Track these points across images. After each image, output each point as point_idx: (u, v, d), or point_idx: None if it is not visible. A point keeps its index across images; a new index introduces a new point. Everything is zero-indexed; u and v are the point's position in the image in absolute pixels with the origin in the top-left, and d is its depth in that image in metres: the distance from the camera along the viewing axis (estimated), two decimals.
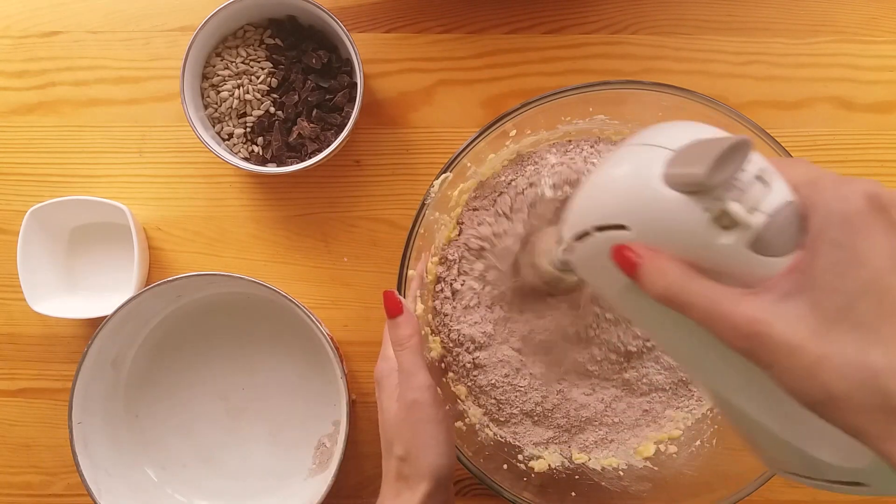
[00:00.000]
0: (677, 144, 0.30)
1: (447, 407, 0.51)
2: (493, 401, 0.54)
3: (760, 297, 0.28)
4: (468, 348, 0.54)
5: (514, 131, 0.51)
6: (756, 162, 0.29)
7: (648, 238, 0.31)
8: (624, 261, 0.31)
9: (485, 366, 0.53)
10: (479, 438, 0.53)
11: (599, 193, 0.34)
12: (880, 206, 0.26)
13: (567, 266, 0.38)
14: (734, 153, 0.28)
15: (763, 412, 0.32)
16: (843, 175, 0.29)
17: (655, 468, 0.54)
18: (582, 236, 0.35)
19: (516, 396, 0.54)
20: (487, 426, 0.54)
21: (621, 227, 0.32)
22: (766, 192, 0.28)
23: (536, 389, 0.54)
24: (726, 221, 0.28)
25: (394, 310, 0.46)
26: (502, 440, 0.54)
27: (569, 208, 0.36)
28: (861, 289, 0.26)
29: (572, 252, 0.36)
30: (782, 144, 0.48)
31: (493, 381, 0.53)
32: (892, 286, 0.26)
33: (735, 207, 0.28)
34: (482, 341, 0.53)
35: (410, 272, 0.49)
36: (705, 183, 0.28)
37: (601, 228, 0.33)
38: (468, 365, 0.54)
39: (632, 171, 0.32)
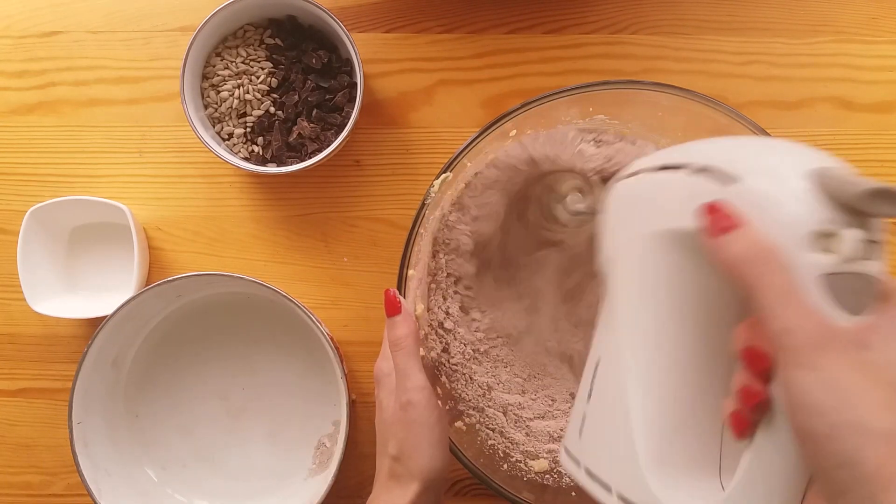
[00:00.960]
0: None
1: (447, 406, 0.51)
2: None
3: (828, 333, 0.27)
4: (442, 336, 0.54)
5: (514, 131, 0.51)
6: (878, 227, 0.29)
7: (739, 199, 0.29)
8: (719, 217, 0.29)
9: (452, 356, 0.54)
10: (479, 438, 0.53)
11: (711, 142, 0.33)
12: None
13: (581, 214, 0.38)
14: (888, 199, 0.27)
15: (647, 415, 0.33)
16: None
17: None
18: (635, 173, 0.34)
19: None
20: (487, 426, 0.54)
21: (709, 170, 0.31)
22: (875, 253, 0.28)
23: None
24: (825, 245, 0.27)
25: (392, 309, 0.46)
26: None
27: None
28: None
29: (610, 191, 0.35)
30: None
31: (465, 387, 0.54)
32: None
33: (850, 237, 0.27)
34: (449, 326, 0.54)
35: (410, 272, 0.50)
36: (856, 203, 0.27)
37: (666, 167, 0.32)
38: (444, 362, 0.54)
39: (778, 144, 0.31)
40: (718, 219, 0.29)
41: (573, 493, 0.51)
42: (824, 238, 0.27)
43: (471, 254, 0.55)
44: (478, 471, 0.49)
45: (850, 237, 0.27)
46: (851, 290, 0.27)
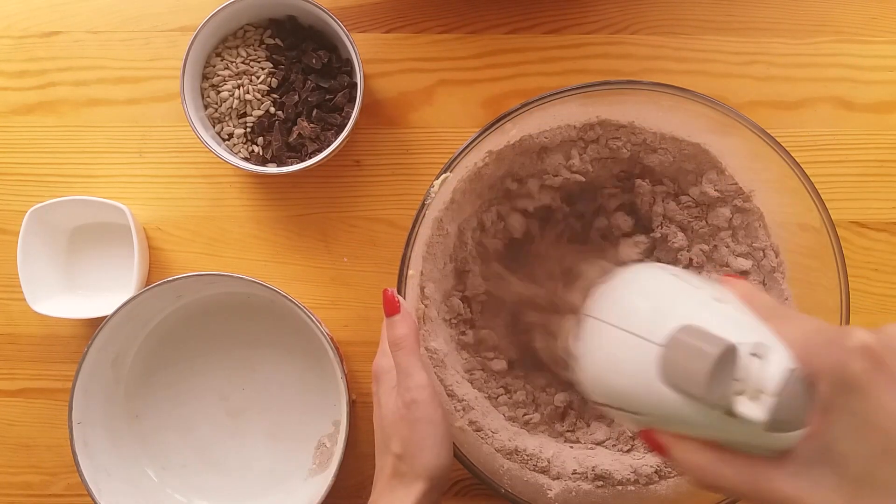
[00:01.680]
0: (661, 335, 0.30)
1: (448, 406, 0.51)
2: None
3: (787, 470, 0.29)
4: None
5: (514, 130, 0.51)
6: (748, 339, 0.29)
7: (667, 425, 0.32)
8: (654, 445, 0.32)
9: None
10: (479, 438, 0.53)
11: (606, 382, 0.34)
12: (878, 360, 0.27)
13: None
14: (724, 363, 0.28)
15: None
16: (835, 327, 0.29)
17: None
18: (601, 404, 0.35)
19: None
20: None
21: (638, 412, 0.32)
22: (766, 368, 0.28)
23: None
24: (736, 413, 0.28)
25: (391, 308, 0.46)
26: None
27: (581, 372, 0.36)
28: (879, 452, 0.27)
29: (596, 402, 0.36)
30: (782, 144, 0.48)
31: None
32: None
33: (742, 408, 0.28)
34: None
35: (410, 272, 0.49)
36: (707, 400, 0.28)
37: (619, 409, 0.34)
38: (445, 361, 0.54)
39: (630, 372, 0.32)
40: (652, 444, 0.33)
41: (573, 493, 0.51)
42: (730, 411, 0.28)
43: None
44: (478, 470, 0.49)
45: (742, 411, 0.28)
46: (789, 407, 0.28)
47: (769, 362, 0.28)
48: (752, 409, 0.28)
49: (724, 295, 0.32)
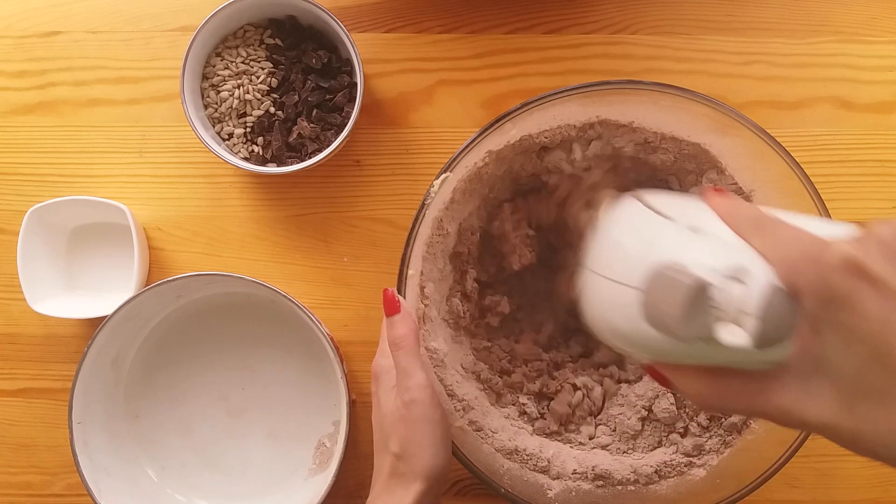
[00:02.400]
0: (638, 279, 0.31)
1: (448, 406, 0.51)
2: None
3: (783, 383, 0.29)
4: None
5: (514, 131, 0.51)
6: (725, 263, 0.29)
7: (665, 358, 0.33)
8: (657, 378, 0.34)
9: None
10: (479, 438, 0.53)
11: (604, 326, 0.35)
12: (860, 271, 0.27)
13: None
14: (698, 296, 0.28)
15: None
16: (817, 240, 0.29)
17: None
18: (610, 344, 0.36)
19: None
20: None
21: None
22: (746, 290, 0.28)
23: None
24: (719, 342, 0.29)
25: (391, 308, 0.46)
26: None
27: (586, 318, 0.37)
28: (866, 361, 0.27)
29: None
30: (782, 144, 0.48)
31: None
32: (890, 350, 0.27)
33: (724, 335, 0.28)
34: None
35: (410, 272, 0.50)
36: (687, 336, 0.29)
37: (622, 348, 0.35)
38: (445, 361, 0.54)
39: (620, 316, 0.33)
40: (656, 376, 0.35)
41: (573, 493, 0.51)
42: (714, 339, 0.29)
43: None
44: (478, 470, 0.49)
45: (726, 339, 0.28)
46: (775, 324, 0.28)
47: (749, 284, 0.28)
48: (735, 335, 0.28)
49: (701, 219, 0.33)
